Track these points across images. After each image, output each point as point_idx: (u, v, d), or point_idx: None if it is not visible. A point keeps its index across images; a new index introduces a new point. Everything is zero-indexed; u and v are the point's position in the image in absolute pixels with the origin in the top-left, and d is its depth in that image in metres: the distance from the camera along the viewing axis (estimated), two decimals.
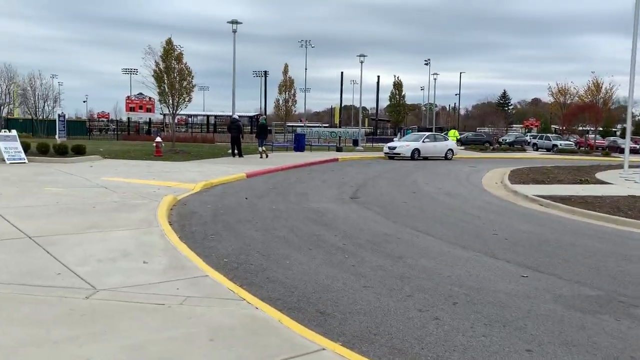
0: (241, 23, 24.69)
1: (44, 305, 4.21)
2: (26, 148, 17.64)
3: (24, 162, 16.49)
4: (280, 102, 38.92)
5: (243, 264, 6.11)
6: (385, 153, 27.46)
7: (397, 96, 52.29)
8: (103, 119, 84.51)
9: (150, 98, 73.33)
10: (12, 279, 4.81)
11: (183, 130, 58.46)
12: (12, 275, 4.92)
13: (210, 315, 4.17)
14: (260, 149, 22.67)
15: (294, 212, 9.85)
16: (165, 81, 22.35)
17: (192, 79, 22.95)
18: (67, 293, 4.51)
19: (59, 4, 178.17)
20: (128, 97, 70.69)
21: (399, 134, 44.11)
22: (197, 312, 4.20)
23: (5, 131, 17.09)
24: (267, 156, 22.61)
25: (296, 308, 4.72)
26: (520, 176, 17.47)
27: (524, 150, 41.77)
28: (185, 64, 22.65)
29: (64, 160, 17.32)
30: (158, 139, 21.25)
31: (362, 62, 34.00)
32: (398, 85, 52.24)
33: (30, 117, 42.04)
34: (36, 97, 39.64)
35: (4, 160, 16.17)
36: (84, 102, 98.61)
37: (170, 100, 22.68)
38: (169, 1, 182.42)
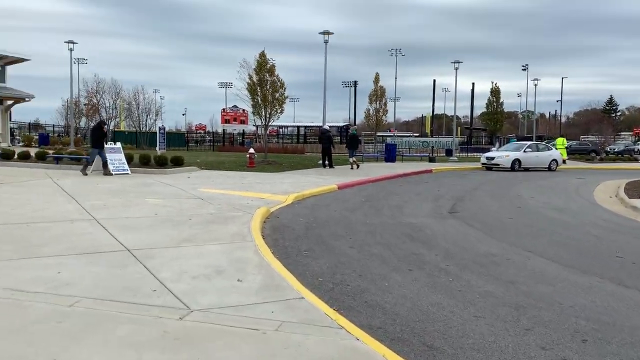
0: (332, 33, 24.68)
1: (139, 325, 4.07)
2: (129, 159, 18.59)
3: (127, 173, 17.34)
4: (371, 111, 38.48)
5: (339, 284, 5.74)
6: (483, 163, 26.16)
7: (495, 103, 49.92)
8: (200, 130, 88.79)
9: (244, 110, 75.79)
10: (111, 295, 4.77)
11: (274, 141, 59.78)
12: (111, 291, 4.89)
13: (308, 345, 3.82)
14: (351, 159, 22.39)
15: (388, 227, 9.37)
16: (259, 93, 22.76)
17: (284, 90, 23.23)
18: (161, 313, 4.37)
19: (162, 23, 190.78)
20: (223, 109, 73.62)
21: (497, 143, 42.04)
22: (294, 341, 3.87)
23: (110, 144, 18.09)
24: (357, 167, 22.28)
25: (400, 339, 4.25)
26: (638, 189, 15.76)
27: (635, 160, 38.24)
28: (278, 76, 22.98)
29: (164, 171, 18.03)
30: (251, 150, 21.63)
31: (456, 69, 32.86)
32: (495, 92, 49.92)
33: (134, 129, 44.91)
34: (140, 111, 42.31)
35: (110, 171, 17.09)
36: (183, 114, 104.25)
37: (263, 112, 23.06)
38: (262, 17, 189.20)
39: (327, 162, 22.55)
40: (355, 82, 69.77)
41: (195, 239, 7.36)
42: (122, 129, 50.40)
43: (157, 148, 20.00)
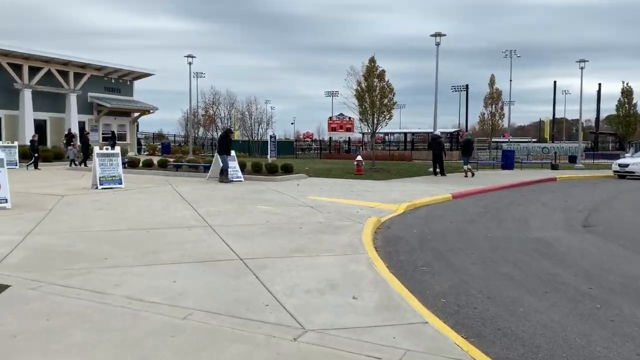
0: (444, 35, 23.72)
1: (251, 345, 3.80)
2: (242, 167, 19.08)
3: (241, 181, 17.77)
4: (486, 115, 36.48)
5: (464, 307, 5.12)
6: (615, 171, 23.66)
7: (627, 105, 45.18)
8: (307, 139, 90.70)
9: (350, 118, 75.87)
10: (222, 308, 4.58)
11: (380, 147, 59.24)
12: (222, 304, 4.70)
13: None
14: (465, 167, 21.26)
15: (514, 241, 8.49)
16: (367, 100, 22.43)
17: (392, 96, 22.68)
18: (274, 331, 4.07)
19: (273, 37, 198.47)
20: (330, 117, 74.26)
21: (631, 148, 37.98)
22: None
23: None
24: (472, 175, 21.09)
25: None
26: None
27: None
28: (387, 81, 22.49)
29: (274, 178, 18.26)
30: (359, 158, 21.31)
31: (582, 68, 30.11)
32: (627, 93, 45.16)
33: (247, 138, 46.69)
34: (252, 121, 43.80)
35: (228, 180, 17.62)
36: (292, 123, 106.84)
37: (371, 119, 22.68)
38: (368, 26, 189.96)
39: (438, 170, 21.62)
40: (467, 86, 67.21)
41: (306, 249, 7.10)
42: (235, 138, 52.70)
43: (268, 156, 20.37)
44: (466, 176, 20.91)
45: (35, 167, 22.56)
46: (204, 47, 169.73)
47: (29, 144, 29.71)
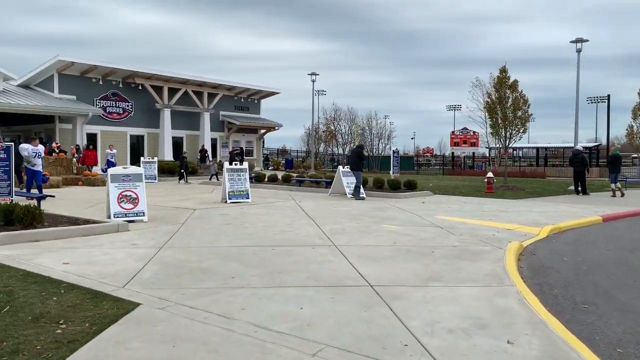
0: (587, 41, 21.56)
1: None
2: (364, 183, 18.66)
3: (363, 198, 17.35)
4: (635, 128, 32.56)
5: None
6: None
7: None
8: (427, 154, 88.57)
9: (474, 132, 72.85)
10: (356, 346, 4.06)
11: (508, 163, 55.79)
12: (355, 340, 4.18)
13: None
14: (613, 185, 18.92)
15: None
16: (498, 112, 20.98)
17: (527, 107, 20.98)
18: None
19: (393, 53, 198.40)
20: (452, 132, 71.94)
21: None
22: None
23: (348, 167, 18.39)
24: (622, 194, 18.69)
25: None
26: None
27: None
28: (521, 92, 20.87)
29: (397, 195, 17.60)
30: (489, 174, 19.91)
31: None
32: None
33: (366, 153, 46.57)
34: (372, 136, 43.59)
35: (346, 195, 17.34)
36: (412, 138, 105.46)
37: (503, 132, 21.16)
38: (490, 38, 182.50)
39: (579, 188, 19.49)
40: (608, 96, 61.25)
41: (442, 278, 6.38)
42: None
43: (391, 172, 19.79)
44: (614, 195, 18.59)
45: (186, 181, 24.31)
46: (325, 65, 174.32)
47: (178, 161, 32.44)
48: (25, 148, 14.27)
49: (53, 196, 12.20)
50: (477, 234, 9.85)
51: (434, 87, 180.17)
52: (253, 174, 23.39)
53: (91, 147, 25.49)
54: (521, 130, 21.24)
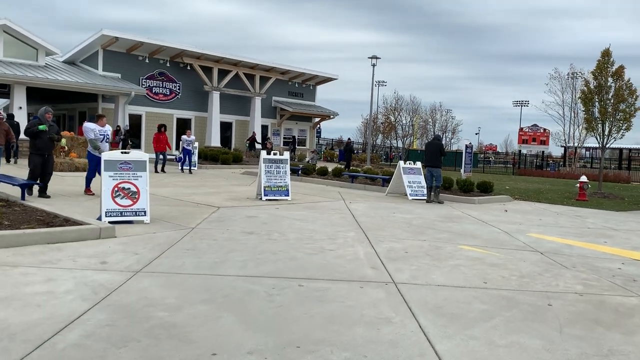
0: None
1: None
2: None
3: (441, 202, 14.36)
4: None
5: None
6: None
7: None
8: (489, 151, 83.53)
9: (544, 130, 67.47)
10: None
11: (579, 165, 50.85)
12: None
13: None
14: None
15: None
16: (596, 104, 17.33)
17: (635, 99, 17.19)
18: None
19: (459, 46, 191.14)
20: (521, 128, 67.15)
21: None
22: None
23: (409, 163, 15.44)
24: None
25: None
26: None
27: None
28: (628, 80, 17.10)
29: (470, 199, 14.48)
30: (583, 178, 16.34)
31: None
32: None
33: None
34: (435, 129, 40.07)
35: (407, 196, 14.41)
36: (476, 134, 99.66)
37: (600, 128, 17.50)
38: (562, 33, 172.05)
39: None
40: None
41: None
42: (414, 147, 49.27)
43: (462, 170, 16.62)
44: None
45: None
46: (388, 58, 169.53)
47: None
48: (92, 129, 11.14)
49: (41, 185, 10.01)
50: (598, 268, 6.78)
51: (500, 82, 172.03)
52: (301, 165, 20.81)
53: (163, 129, 19.53)
54: (624, 127, 17.49)
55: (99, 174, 9.92)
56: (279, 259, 6.39)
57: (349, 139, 34.20)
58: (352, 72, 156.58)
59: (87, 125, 11.36)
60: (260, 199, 12.29)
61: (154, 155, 19.79)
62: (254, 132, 32.21)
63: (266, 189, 12.38)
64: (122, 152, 8.53)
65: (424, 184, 14.78)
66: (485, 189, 16.05)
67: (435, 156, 13.89)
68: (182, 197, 11.91)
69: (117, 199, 8.25)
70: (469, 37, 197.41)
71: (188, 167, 19.98)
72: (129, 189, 8.37)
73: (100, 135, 11.21)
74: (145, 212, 8.40)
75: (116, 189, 8.28)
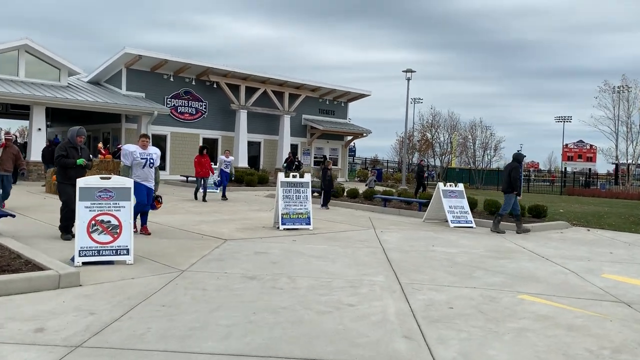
0: None
1: None
2: (471, 206, 13.79)
3: (472, 227, 12.50)
4: None
5: None
6: None
7: None
8: (532, 169, 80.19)
9: (591, 146, 63.62)
10: None
11: (630, 184, 47.54)
12: None
13: None
14: None
15: None
16: None
17: None
18: None
19: (497, 63, 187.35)
20: (566, 145, 63.65)
21: None
22: None
23: (450, 185, 13.63)
24: None
25: None
26: None
27: None
28: None
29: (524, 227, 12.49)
30: None
31: None
32: None
33: (467, 166, 40.85)
34: (475, 146, 37.91)
35: (447, 223, 12.57)
36: (518, 151, 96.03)
37: None
38: (602, 49, 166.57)
39: None
40: None
41: None
42: (452, 165, 46.99)
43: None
44: None
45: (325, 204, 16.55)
46: (424, 76, 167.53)
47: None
48: (131, 152, 8.97)
49: (13, 215, 8.51)
50: None
51: (539, 99, 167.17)
52: (333, 189, 19.17)
53: (205, 151, 16.78)
54: None
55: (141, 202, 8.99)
56: (279, 322, 4.75)
57: (421, 160, 30.31)
58: (386, 90, 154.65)
59: (127, 147, 9.13)
60: (278, 228, 10.72)
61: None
62: (290, 153, 30.82)
63: (284, 216, 10.80)
64: (101, 178, 7.09)
65: (467, 209, 12.92)
66: (538, 214, 14.07)
67: (506, 179, 12.03)
68: (188, 227, 10.45)
69: (95, 235, 6.80)
70: (506, 53, 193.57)
71: (222, 192, 17.92)
72: (109, 222, 6.91)
73: (142, 159, 8.93)
74: (127, 250, 6.91)
75: (93, 222, 6.83)
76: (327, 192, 16.09)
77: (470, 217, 12.77)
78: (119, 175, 8.38)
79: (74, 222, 7.70)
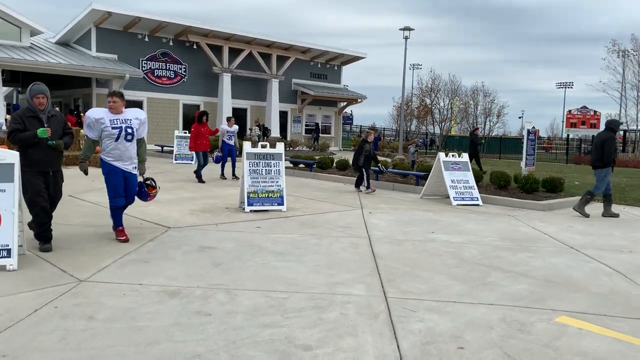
0: None
1: None
2: (477, 179, 11.85)
3: (478, 205, 10.58)
4: None
5: None
6: None
7: None
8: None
9: (595, 112, 62.17)
10: None
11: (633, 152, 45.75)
12: None
13: None
14: None
15: None
16: None
17: None
18: None
19: (499, 29, 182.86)
20: (569, 111, 61.90)
21: None
22: None
23: (452, 155, 11.65)
24: None
25: None
26: None
27: None
28: None
29: (536, 204, 10.57)
30: None
31: None
32: None
33: (467, 134, 38.80)
34: (477, 112, 35.77)
35: (449, 199, 10.64)
36: (519, 117, 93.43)
37: None
38: (604, 13, 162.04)
39: None
40: None
41: None
42: (452, 133, 44.85)
43: (523, 164, 12.68)
44: None
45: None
46: (424, 42, 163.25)
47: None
48: (96, 119, 6.25)
49: None
50: None
51: (542, 64, 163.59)
52: (317, 158, 17.18)
53: (204, 118, 13.37)
54: None
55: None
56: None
57: (475, 127, 23.42)
58: (384, 57, 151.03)
59: (91, 114, 6.37)
60: (243, 209, 8.78)
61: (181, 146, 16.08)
62: (316, 123, 30.40)
63: (251, 196, 8.83)
64: None
65: (472, 183, 10.98)
66: (553, 187, 12.13)
67: (598, 151, 9.65)
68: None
69: None
70: (506, 19, 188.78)
71: (232, 169, 14.24)
72: None
73: (114, 129, 6.15)
74: (8, 250, 4.96)
75: None
76: (368, 170, 12.12)
77: (476, 192, 10.83)
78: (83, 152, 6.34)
79: (49, 222, 5.71)
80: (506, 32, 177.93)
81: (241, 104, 29.22)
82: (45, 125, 5.60)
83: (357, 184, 12.29)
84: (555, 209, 10.56)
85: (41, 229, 5.65)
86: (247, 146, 9.18)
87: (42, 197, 5.56)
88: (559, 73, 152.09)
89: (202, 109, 27.74)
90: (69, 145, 5.99)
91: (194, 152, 18.44)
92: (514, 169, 14.77)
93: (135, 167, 6.41)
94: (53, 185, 5.79)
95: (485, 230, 8.02)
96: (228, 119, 14.84)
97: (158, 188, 6.72)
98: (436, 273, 5.45)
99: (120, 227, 6.34)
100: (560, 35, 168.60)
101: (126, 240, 6.19)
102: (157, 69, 25.88)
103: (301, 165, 17.04)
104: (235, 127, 14.60)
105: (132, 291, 4.48)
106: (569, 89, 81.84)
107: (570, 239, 7.59)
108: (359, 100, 35.17)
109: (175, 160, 18.53)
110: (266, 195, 8.94)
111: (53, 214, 5.85)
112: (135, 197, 6.49)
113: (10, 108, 21.07)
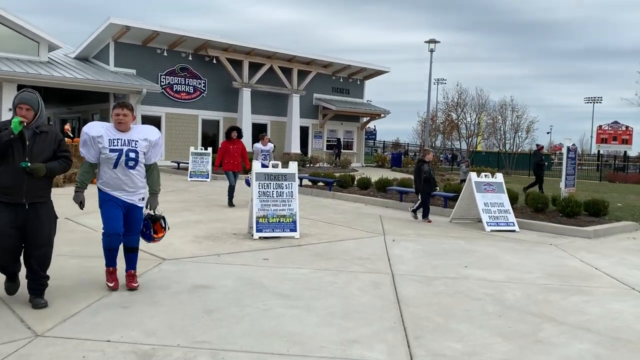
0: None
1: None
2: (512, 201, 10.77)
3: (514, 231, 9.49)
4: None
5: None
6: None
7: None
8: (558, 151, 76.30)
9: (627, 127, 60.09)
10: None
11: None
12: None
13: None
14: None
15: None
16: None
17: None
18: None
19: (521, 45, 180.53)
20: (600, 126, 59.79)
21: None
22: None
23: (485, 175, 10.59)
24: None
25: None
26: None
27: None
28: None
29: (579, 230, 9.44)
30: None
31: None
32: None
33: (496, 149, 37.47)
34: (505, 127, 34.46)
35: (481, 223, 9.58)
36: (548, 133, 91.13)
37: None
38: (628, 29, 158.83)
39: None
40: None
41: None
42: (478, 149, 43.49)
43: (562, 185, 11.54)
44: None
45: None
46: (449, 57, 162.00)
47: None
48: (92, 137, 4.92)
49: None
50: None
51: (569, 80, 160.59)
52: (338, 175, 16.27)
53: (234, 134, 11.70)
54: None
55: None
56: None
57: (540, 146, 18.38)
58: (408, 73, 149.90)
59: (88, 129, 5.01)
60: (252, 235, 7.89)
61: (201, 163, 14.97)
62: (338, 139, 29.94)
63: (260, 221, 7.94)
64: None
65: (507, 206, 9.90)
66: (597, 212, 10.97)
67: None
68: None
69: None
70: (533, 34, 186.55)
71: None
72: None
73: (113, 152, 4.87)
74: None
75: None
76: (426, 196, 10.38)
77: (512, 217, 9.75)
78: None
79: (17, 270, 4.60)
80: (532, 47, 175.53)
81: (261, 119, 28.54)
82: (27, 142, 4.32)
83: (425, 214, 10.43)
84: (601, 236, 9.42)
85: (3, 272, 4.62)
86: (256, 165, 8.31)
87: (3, 238, 4.25)
88: (584, 88, 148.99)
89: (221, 125, 27.16)
90: (57, 173, 4.64)
91: (208, 171, 17.92)
92: (522, 185, 13.59)
93: (143, 199, 5.13)
94: (32, 223, 4.36)
95: (527, 264, 6.96)
96: (262, 137, 13.63)
97: (167, 230, 5.41)
98: (475, 326, 4.45)
99: (111, 268, 5.12)
100: (585, 50, 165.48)
101: (115, 288, 5.02)
102: (176, 83, 25.40)
103: (320, 184, 16.17)
104: (271, 146, 13.46)
105: (94, 351, 3.60)
106: (597, 103, 79.62)
107: (628, 275, 6.50)
108: (382, 115, 34.22)
109: (190, 177, 17.83)
110: (277, 220, 8.04)
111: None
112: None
113: None
